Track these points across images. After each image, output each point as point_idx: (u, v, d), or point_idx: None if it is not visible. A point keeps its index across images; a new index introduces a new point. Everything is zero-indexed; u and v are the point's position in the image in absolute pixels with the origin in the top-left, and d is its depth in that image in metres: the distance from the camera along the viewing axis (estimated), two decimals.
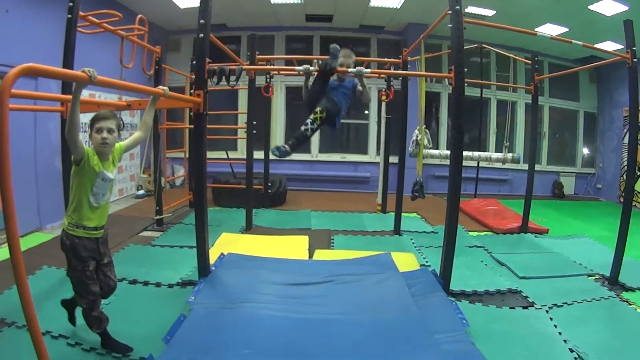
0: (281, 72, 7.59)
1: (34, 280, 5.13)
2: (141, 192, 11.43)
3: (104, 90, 8.97)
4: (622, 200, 6.24)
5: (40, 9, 7.93)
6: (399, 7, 11.51)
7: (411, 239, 7.66)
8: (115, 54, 5.92)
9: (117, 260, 5.72)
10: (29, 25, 7.69)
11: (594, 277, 6.26)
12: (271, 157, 7.28)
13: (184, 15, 11.80)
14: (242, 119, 9.98)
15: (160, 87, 3.88)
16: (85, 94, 7.44)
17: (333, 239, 7.52)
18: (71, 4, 5.23)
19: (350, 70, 5.09)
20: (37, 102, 6.48)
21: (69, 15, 5.24)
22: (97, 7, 6.60)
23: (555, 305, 5.03)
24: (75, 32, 5.31)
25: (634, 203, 6.58)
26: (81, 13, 5.34)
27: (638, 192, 13.08)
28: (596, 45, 11.86)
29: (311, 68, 5.14)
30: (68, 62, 5.30)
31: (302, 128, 4.97)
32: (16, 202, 2.20)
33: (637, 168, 12.72)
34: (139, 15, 6.32)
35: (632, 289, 5.80)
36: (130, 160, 11.55)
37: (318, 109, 4.93)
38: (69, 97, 4.94)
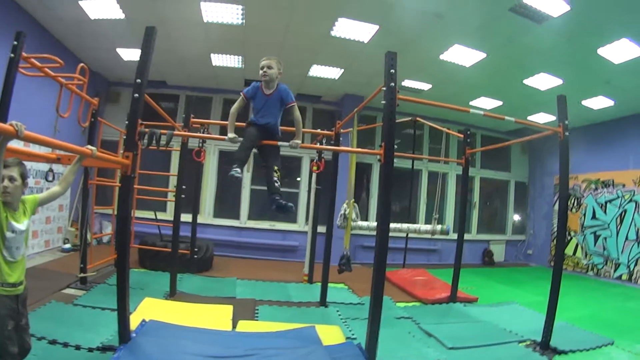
0: (213, 139, 7.58)
1: None
2: (67, 245, 11.10)
3: (16, 139, 8.72)
4: (552, 264, 6.39)
5: None
6: (336, 78, 11.84)
7: (337, 311, 7.60)
8: (53, 100, 5.81)
9: (38, 317, 5.55)
10: None
11: (525, 343, 6.38)
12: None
13: (126, 67, 11.80)
14: (174, 181, 9.87)
15: (88, 146, 3.80)
16: (18, 143, 7.28)
17: (257, 310, 7.39)
18: (15, 42, 5.15)
19: (282, 144, 5.21)
20: None
21: (12, 55, 5.16)
22: (42, 47, 6.52)
23: None
24: (16, 72, 5.21)
25: (563, 266, 6.76)
26: (24, 54, 5.26)
27: (569, 256, 13.60)
28: (529, 118, 12.50)
29: (238, 138, 5.30)
30: (3, 104, 5.17)
31: (276, 185, 5.33)
32: None
33: (567, 233, 13.20)
34: (81, 64, 6.26)
35: (564, 352, 5.96)
36: (59, 212, 11.26)
37: (276, 168, 5.37)
38: None
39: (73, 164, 3.93)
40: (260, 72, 5.26)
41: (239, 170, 5.05)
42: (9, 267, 3.33)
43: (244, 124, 5.56)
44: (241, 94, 5.39)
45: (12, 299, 3.37)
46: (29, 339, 3.63)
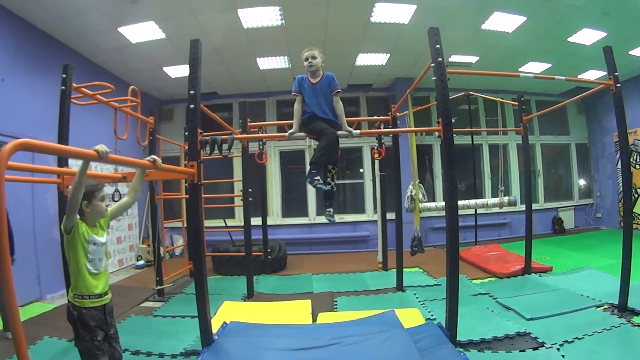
0: (274, 138, 7.65)
1: (34, 350, 5.14)
2: (141, 262, 11.39)
3: (99, 162, 9.03)
4: (622, 225, 6.23)
5: (35, 79, 8.18)
6: (384, 64, 11.78)
7: (414, 294, 7.61)
8: (110, 125, 5.96)
9: (120, 331, 5.70)
10: (24, 94, 7.90)
11: (602, 307, 6.25)
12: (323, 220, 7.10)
13: (175, 84, 12.13)
14: (239, 187, 10.03)
15: (151, 157, 3.88)
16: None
17: (336, 301, 7.44)
18: (64, 75, 5.37)
19: (340, 132, 5.24)
20: (35, 174, 6.56)
21: (63, 87, 5.39)
22: (90, 78, 6.76)
23: (566, 342, 4.99)
24: (69, 103, 5.45)
25: (634, 226, 6.58)
26: (74, 85, 5.47)
27: (638, 215, 13.11)
28: (580, 76, 12.18)
29: (295, 134, 5.42)
30: (63, 133, 5.42)
31: (327, 188, 5.38)
32: (15, 272, 2.20)
33: (634, 190, 12.81)
34: (131, 87, 6.42)
35: None
36: (129, 231, 11.58)
37: (330, 167, 5.50)
38: (65, 169, 5.04)
39: (137, 175, 4.04)
40: (305, 63, 5.35)
41: (319, 179, 5.15)
42: (94, 279, 3.49)
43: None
44: (293, 93, 5.46)
45: (99, 310, 3.53)
46: (119, 347, 3.79)
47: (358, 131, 5.49)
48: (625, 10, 8.85)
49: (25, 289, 7.41)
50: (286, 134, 5.40)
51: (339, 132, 5.32)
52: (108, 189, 10.04)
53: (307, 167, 6.01)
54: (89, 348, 3.43)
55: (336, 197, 13.93)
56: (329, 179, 5.53)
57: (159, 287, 8.06)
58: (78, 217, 3.44)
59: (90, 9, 7.88)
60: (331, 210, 5.44)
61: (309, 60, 5.31)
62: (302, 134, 5.49)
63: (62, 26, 8.44)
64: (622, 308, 5.97)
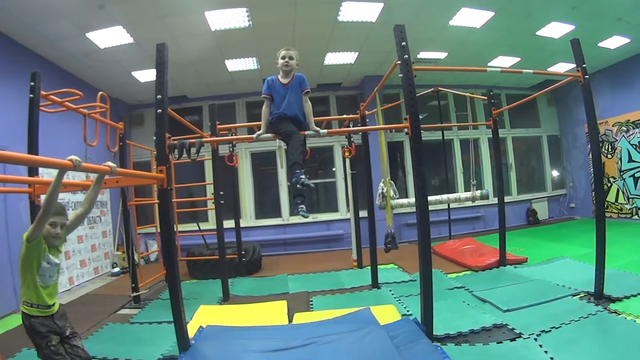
0: (243, 140, 7.66)
1: None
2: (116, 269, 11.27)
3: (74, 171, 9.00)
4: (595, 214, 6.34)
5: (3, 87, 8.12)
6: (353, 62, 11.86)
7: (390, 290, 7.64)
8: (79, 132, 5.88)
9: (97, 340, 5.72)
10: None
11: (579, 296, 6.35)
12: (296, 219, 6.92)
13: (145, 89, 12.05)
14: (211, 190, 10.00)
15: (108, 163, 3.83)
16: (53, 173, 7.49)
17: (312, 301, 7.45)
18: (32, 83, 5.32)
19: (307, 132, 5.24)
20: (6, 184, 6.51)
21: (31, 95, 5.34)
22: (59, 85, 6.67)
23: (543, 331, 5.05)
24: (37, 111, 5.41)
25: (608, 214, 6.68)
26: (43, 92, 5.42)
27: (611, 203, 13.33)
28: (549, 69, 12.33)
29: (263, 135, 5.41)
30: (32, 142, 5.40)
31: (298, 186, 5.21)
32: None
33: (606, 180, 13.00)
34: (100, 93, 6.36)
35: (619, 299, 5.92)
36: (103, 238, 11.47)
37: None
38: (36, 178, 4.98)
39: (94, 184, 3.97)
40: (281, 61, 5.31)
41: (305, 177, 5.18)
42: (43, 291, 3.56)
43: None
44: (263, 96, 5.41)
45: (48, 318, 3.58)
46: (81, 345, 3.82)
47: (325, 131, 5.48)
48: (593, 3, 8.99)
49: (1, 302, 7.33)
50: (254, 135, 5.38)
51: (306, 132, 5.31)
52: (80, 197, 9.96)
53: (279, 168, 6.01)
54: (48, 355, 3.47)
55: (309, 197, 14.01)
56: (303, 177, 5.54)
57: (134, 294, 7.98)
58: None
59: (58, 16, 7.82)
60: (303, 206, 5.42)
61: (286, 59, 5.28)
62: (270, 135, 5.47)
63: (30, 33, 8.35)
64: (599, 296, 6.05)
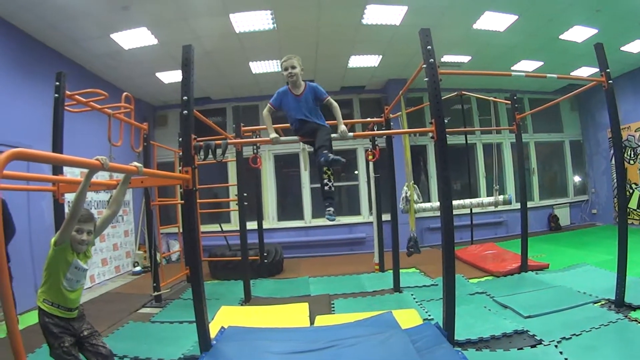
0: (267, 142, 7.70)
1: (33, 359, 5.13)
2: (138, 268, 11.36)
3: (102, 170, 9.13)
4: (617, 221, 6.27)
5: (29, 87, 8.22)
6: (376, 65, 11.82)
7: (412, 295, 7.61)
8: (104, 132, 5.93)
9: (118, 338, 5.75)
10: (18, 102, 7.93)
11: (599, 303, 6.28)
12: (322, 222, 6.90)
13: (168, 90, 12.13)
14: (234, 191, 10.03)
15: (134, 163, 3.85)
16: (76, 173, 7.56)
17: (333, 304, 7.43)
18: (57, 83, 5.35)
19: (334, 135, 5.20)
20: (30, 182, 6.57)
21: (56, 95, 5.36)
22: (83, 85, 6.73)
23: (564, 338, 5.01)
24: (62, 110, 5.42)
25: (630, 221, 6.60)
26: (68, 92, 5.45)
27: (633, 210, 13.16)
28: (572, 73, 12.24)
29: (281, 138, 5.42)
30: (57, 141, 5.40)
31: (326, 188, 5.28)
32: (13, 280, 2.21)
33: (628, 186, 12.84)
34: (125, 93, 6.39)
35: (639, 307, 5.83)
36: (125, 237, 11.58)
37: (325, 169, 5.23)
38: (60, 177, 5.03)
39: (120, 184, 4.02)
40: (285, 73, 5.30)
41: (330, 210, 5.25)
42: (68, 294, 3.56)
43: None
44: (269, 104, 5.43)
45: (65, 320, 3.58)
46: (102, 342, 3.81)
47: (351, 134, 5.48)
48: (616, 7, 8.90)
49: (23, 297, 7.39)
50: (270, 138, 5.35)
51: (339, 131, 5.25)
52: (103, 196, 10.04)
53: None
54: (60, 355, 3.48)
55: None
56: (325, 180, 5.50)
57: (156, 293, 8.02)
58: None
59: (83, 16, 7.89)
60: (331, 209, 5.40)
61: (289, 70, 5.27)
62: (295, 137, 5.48)
63: (55, 33, 8.45)
64: (619, 303, 5.98)
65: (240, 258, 8.51)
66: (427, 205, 8.83)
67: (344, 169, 14.34)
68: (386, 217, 8.81)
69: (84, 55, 9.63)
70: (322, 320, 6.45)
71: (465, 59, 11.68)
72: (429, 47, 5.15)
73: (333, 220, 5.31)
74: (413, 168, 8.00)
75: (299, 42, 9.44)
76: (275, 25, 8.89)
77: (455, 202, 7.70)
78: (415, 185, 7.78)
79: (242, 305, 7.79)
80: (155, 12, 8.01)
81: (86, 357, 3.66)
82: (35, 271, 7.81)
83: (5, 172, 2.14)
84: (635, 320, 5.40)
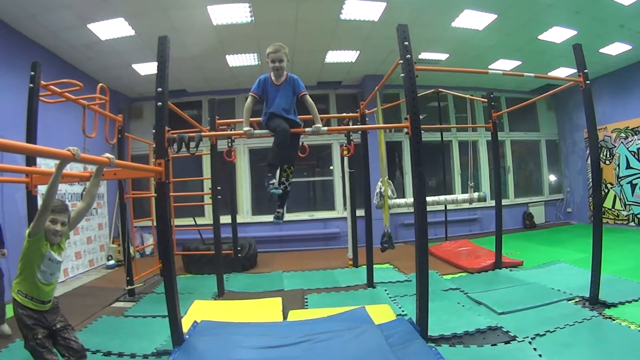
0: (241, 135, 7.67)
1: (6, 354, 5.09)
2: (111, 262, 11.26)
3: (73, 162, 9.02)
4: (592, 219, 6.34)
5: (3, 76, 8.10)
6: (354, 60, 11.83)
7: (385, 290, 7.62)
8: (78, 123, 5.85)
9: (91, 332, 5.70)
10: None
11: (574, 301, 6.35)
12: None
13: (144, 82, 12.02)
14: (208, 185, 9.97)
15: (106, 154, 3.84)
16: (51, 164, 7.46)
17: (307, 298, 7.43)
18: (32, 72, 5.30)
19: (307, 129, 5.19)
20: (2, 173, 6.49)
21: (31, 85, 5.32)
22: (60, 76, 6.64)
23: (537, 335, 5.06)
24: (37, 101, 5.39)
25: (604, 220, 6.69)
26: (43, 82, 5.39)
27: (608, 209, 13.34)
28: (550, 73, 12.34)
29: (255, 132, 5.37)
30: (31, 132, 5.36)
31: (280, 191, 5.23)
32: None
33: (604, 185, 13.01)
34: (100, 84, 6.34)
35: (614, 305, 5.93)
36: (99, 230, 11.47)
37: (286, 166, 5.37)
38: (34, 168, 4.96)
39: (93, 177, 3.99)
40: (271, 65, 5.20)
41: (274, 183, 5.15)
42: (43, 286, 3.52)
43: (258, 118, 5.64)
44: (250, 94, 5.31)
45: (38, 312, 3.54)
46: (74, 337, 3.76)
47: (325, 128, 5.45)
48: (596, 9, 9.00)
49: None
50: (244, 131, 5.31)
51: (306, 129, 5.27)
52: (77, 188, 9.94)
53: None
54: (34, 347, 3.45)
55: (306, 195, 13.97)
56: (283, 179, 5.48)
57: (129, 287, 7.96)
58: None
59: (60, 6, 7.80)
60: (281, 211, 5.40)
61: (276, 63, 5.19)
62: (264, 131, 5.49)
63: (32, 23, 8.34)
64: (594, 301, 6.07)
65: (214, 252, 8.48)
66: (401, 201, 8.85)
67: (319, 164, 14.35)
68: (360, 212, 8.83)
69: (60, 46, 9.52)
70: (295, 315, 6.44)
71: (443, 56, 11.76)
72: (406, 43, 5.14)
73: (280, 222, 5.33)
74: (388, 164, 8.02)
75: (276, 35, 9.35)
76: (253, 18, 8.85)
77: (429, 199, 7.75)
78: (390, 181, 7.78)
79: (215, 299, 7.76)
80: (133, 2, 7.94)
81: (58, 351, 3.62)
82: (8, 265, 7.71)
83: None
84: (610, 318, 5.48)
